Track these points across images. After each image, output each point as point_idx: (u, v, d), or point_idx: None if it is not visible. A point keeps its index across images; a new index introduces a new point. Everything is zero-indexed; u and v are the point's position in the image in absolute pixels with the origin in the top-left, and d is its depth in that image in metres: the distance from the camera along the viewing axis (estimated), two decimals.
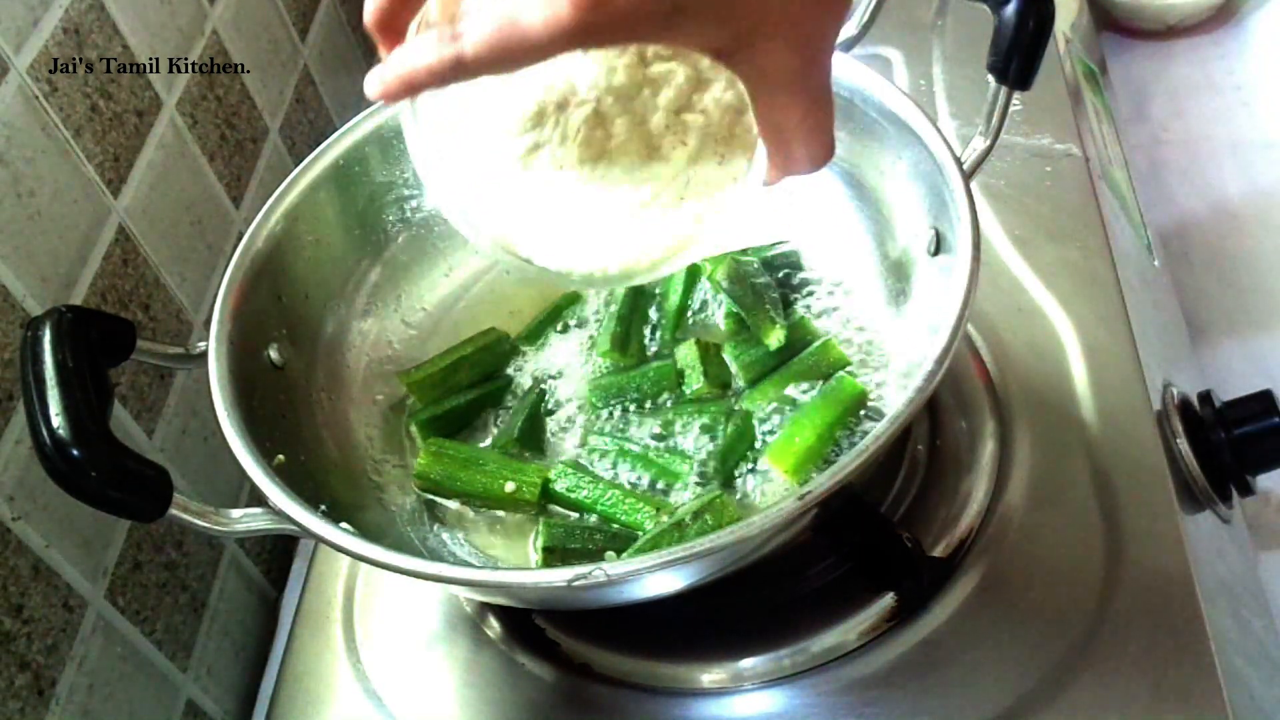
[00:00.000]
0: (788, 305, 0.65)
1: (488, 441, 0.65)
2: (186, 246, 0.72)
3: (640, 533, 0.57)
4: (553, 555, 0.57)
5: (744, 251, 0.67)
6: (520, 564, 0.59)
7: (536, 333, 0.70)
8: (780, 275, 0.66)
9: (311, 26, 0.95)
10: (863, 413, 0.59)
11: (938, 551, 0.57)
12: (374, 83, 0.38)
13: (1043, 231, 0.72)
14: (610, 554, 0.55)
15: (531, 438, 0.63)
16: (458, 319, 0.72)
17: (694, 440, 0.60)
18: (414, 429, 0.65)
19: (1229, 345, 0.87)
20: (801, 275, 0.67)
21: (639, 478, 0.60)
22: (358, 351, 0.68)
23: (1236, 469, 0.61)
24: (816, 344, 0.61)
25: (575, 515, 0.60)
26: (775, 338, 0.61)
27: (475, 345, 0.68)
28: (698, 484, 0.59)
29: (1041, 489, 0.59)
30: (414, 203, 0.71)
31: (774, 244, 0.68)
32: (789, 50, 0.37)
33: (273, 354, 0.61)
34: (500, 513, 0.61)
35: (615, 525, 0.58)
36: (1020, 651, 0.53)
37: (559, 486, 0.59)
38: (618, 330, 0.66)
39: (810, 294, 0.66)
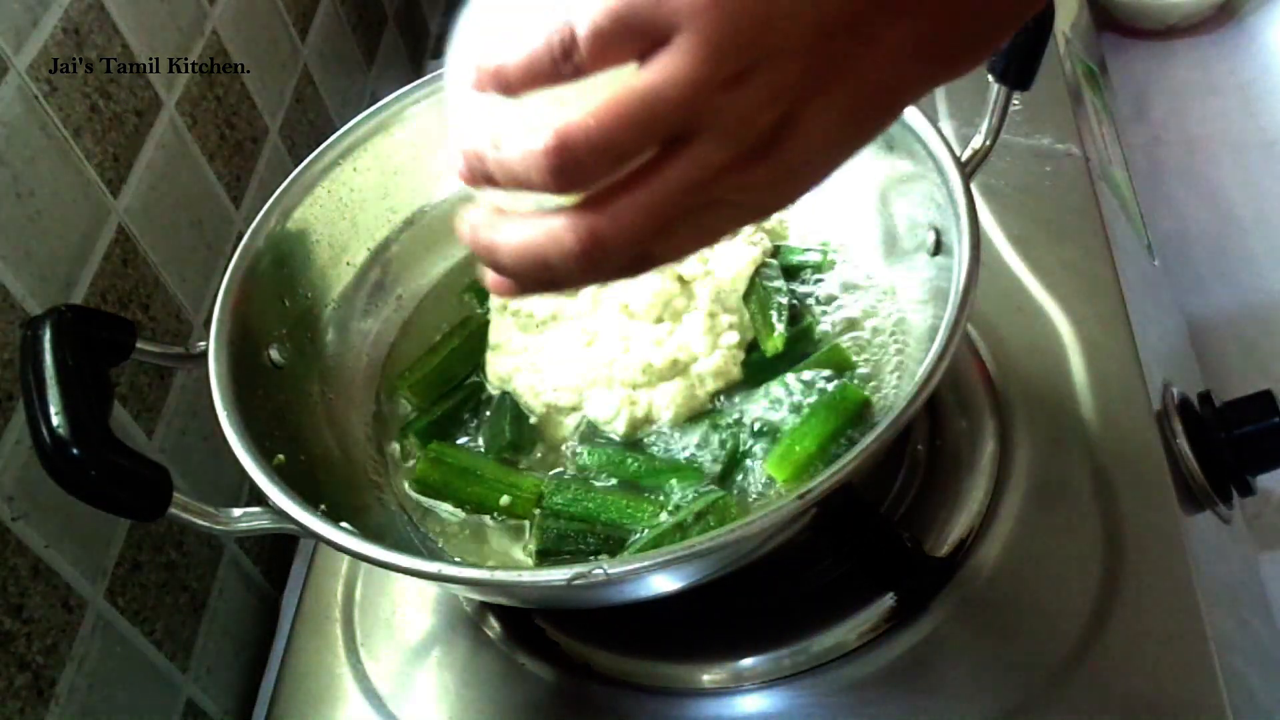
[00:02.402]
0: (798, 310, 0.64)
1: (484, 431, 0.65)
2: (186, 246, 0.72)
3: (636, 535, 0.56)
4: (546, 558, 0.57)
5: (776, 251, 0.67)
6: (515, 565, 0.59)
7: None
8: (799, 279, 0.66)
9: (311, 26, 0.95)
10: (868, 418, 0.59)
11: (938, 551, 0.57)
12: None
13: (1043, 231, 0.72)
14: (603, 556, 0.55)
15: (521, 436, 0.63)
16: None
17: (699, 445, 0.60)
18: (411, 437, 0.65)
19: (1229, 345, 0.87)
20: (815, 278, 0.67)
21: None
22: (358, 351, 0.68)
23: (1236, 469, 0.61)
24: (824, 349, 0.61)
25: (567, 519, 0.59)
26: (773, 346, 0.61)
27: (461, 335, 0.68)
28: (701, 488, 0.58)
29: (1041, 489, 0.59)
30: (415, 203, 0.71)
31: (807, 249, 0.67)
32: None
33: (273, 354, 0.61)
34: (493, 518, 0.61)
35: (609, 528, 0.57)
36: (1020, 652, 0.53)
37: (556, 500, 0.58)
38: None
39: (817, 296, 0.66)
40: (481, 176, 0.36)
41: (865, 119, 0.35)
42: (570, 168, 0.33)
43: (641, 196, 0.34)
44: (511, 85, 0.34)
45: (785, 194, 0.36)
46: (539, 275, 0.36)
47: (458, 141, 0.37)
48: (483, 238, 0.37)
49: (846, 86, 0.33)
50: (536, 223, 0.36)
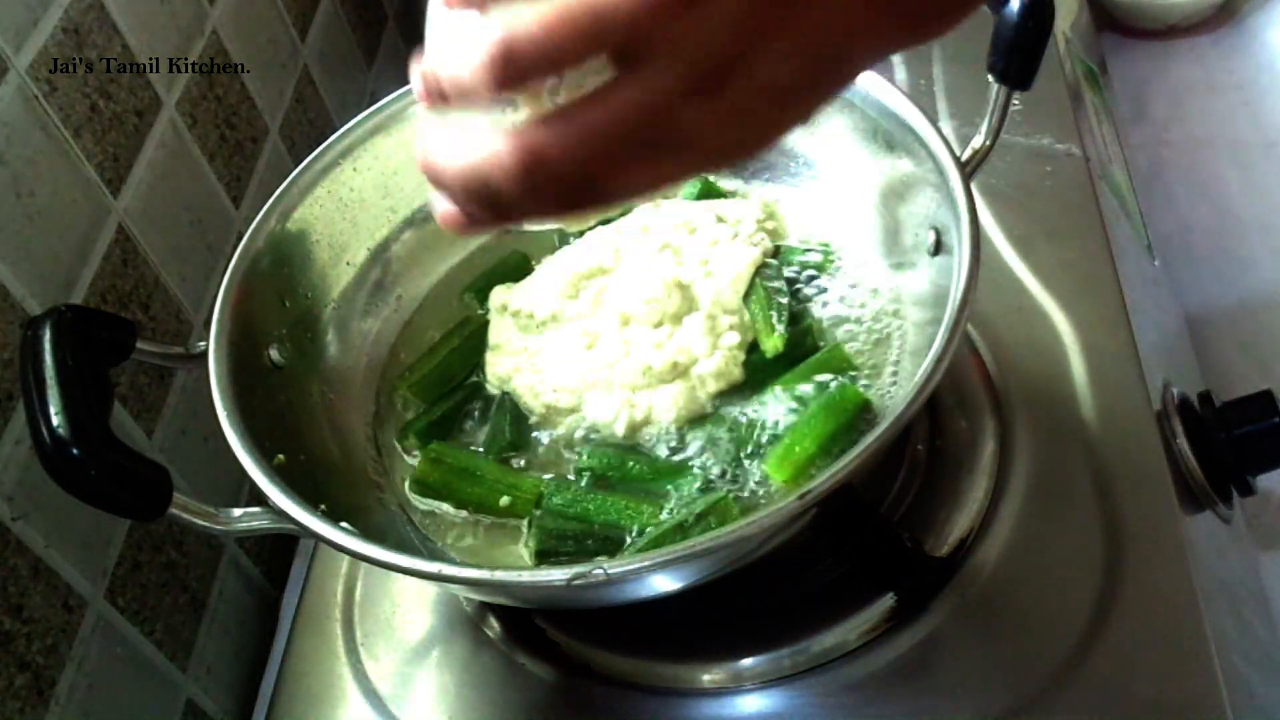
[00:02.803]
0: (798, 311, 0.64)
1: (484, 431, 0.64)
2: (186, 246, 0.72)
3: (635, 536, 0.56)
4: (544, 558, 0.57)
5: (777, 251, 0.67)
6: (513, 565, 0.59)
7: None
8: (799, 279, 0.66)
9: (311, 26, 0.95)
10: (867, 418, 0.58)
11: (938, 551, 0.57)
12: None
13: (1043, 231, 0.72)
14: (601, 557, 0.55)
15: (521, 437, 0.63)
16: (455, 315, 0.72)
17: (699, 446, 0.60)
18: (411, 438, 0.65)
19: (1229, 345, 0.87)
20: (815, 278, 0.67)
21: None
22: (358, 352, 0.68)
23: (1236, 469, 0.61)
24: (824, 350, 0.61)
25: (566, 520, 0.59)
26: (772, 346, 0.61)
27: (461, 335, 0.68)
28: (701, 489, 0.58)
29: (1041, 489, 0.59)
30: (415, 202, 0.71)
31: (807, 249, 0.67)
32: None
33: (273, 354, 0.61)
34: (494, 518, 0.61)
35: (608, 529, 0.57)
36: (1020, 652, 0.53)
37: (555, 501, 0.58)
38: None
39: (817, 296, 0.66)
40: (436, 93, 0.35)
41: (822, 71, 0.34)
42: (512, 70, 0.32)
43: (588, 115, 0.33)
44: None
45: (735, 140, 0.35)
46: (480, 194, 0.36)
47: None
48: (428, 159, 0.37)
49: (807, 31, 0.33)
50: (481, 142, 0.35)
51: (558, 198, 0.35)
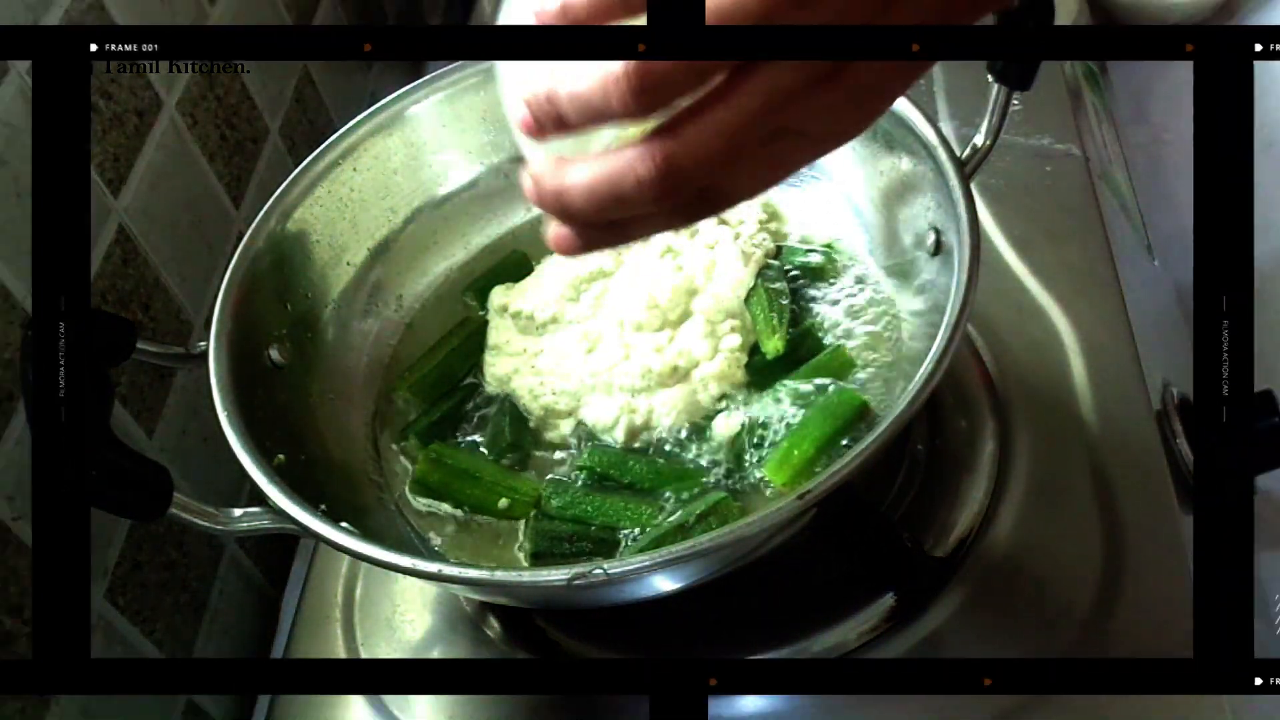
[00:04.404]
0: (801, 311, 0.64)
1: (483, 433, 0.64)
2: (186, 246, 0.72)
3: (632, 538, 0.56)
4: (539, 560, 0.57)
5: (779, 253, 0.67)
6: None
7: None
8: (800, 280, 0.66)
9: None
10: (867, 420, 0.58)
11: (938, 551, 0.57)
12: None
13: (1043, 231, 0.72)
14: (596, 559, 0.55)
15: (521, 438, 0.63)
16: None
17: (700, 449, 0.60)
18: (411, 438, 0.64)
19: None
20: (816, 279, 0.67)
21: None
22: (358, 351, 0.68)
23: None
24: (826, 351, 0.61)
25: (562, 521, 0.59)
26: (773, 347, 0.61)
27: (460, 336, 0.68)
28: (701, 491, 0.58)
29: (1041, 489, 0.59)
30: (415, 203, 0.71)
31: (808, 250, 0.67)
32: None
33: (273, 354, 0.61)
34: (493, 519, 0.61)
35: (604, 531, 0.57)
36: (1020, 652, 0.53)
37: (554, 503, 0.58)
38: None
39: (818, 297, 0.66)
40: (550, 120, 0.35)
41: None
42: (652, 84, 0.32)
43: (714, 119, 0.33)
44: (575, 13, 0.33)
45: (850, 121, 0.36)
46: (611, 211, 0.35)
47: (516, 92, 0.36)
48: (549, 184, 0.36)
49: (910, 12, 0.33)
50: (608, 157, 0.35)
51: (686, 205, 0.35)
